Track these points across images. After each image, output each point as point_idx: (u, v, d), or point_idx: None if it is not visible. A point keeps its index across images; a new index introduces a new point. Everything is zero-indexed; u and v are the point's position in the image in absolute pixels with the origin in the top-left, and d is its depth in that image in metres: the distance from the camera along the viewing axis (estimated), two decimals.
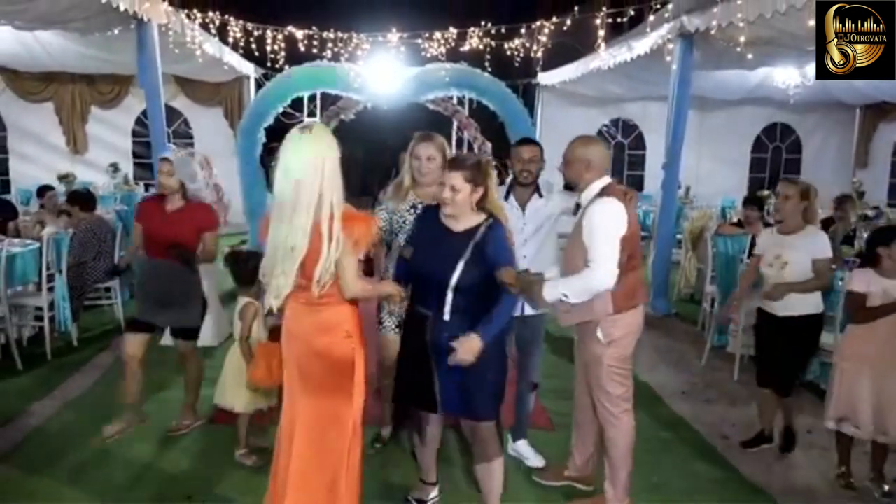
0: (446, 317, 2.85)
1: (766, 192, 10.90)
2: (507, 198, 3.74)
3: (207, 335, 5.88)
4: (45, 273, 5.43)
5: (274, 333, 3.12)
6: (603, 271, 3.00)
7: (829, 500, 3.68)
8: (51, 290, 5.54)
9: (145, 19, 6.55)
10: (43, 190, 7.89)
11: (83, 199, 6.51)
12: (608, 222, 3.05)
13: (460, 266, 2.82)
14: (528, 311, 3.64)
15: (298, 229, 2.60)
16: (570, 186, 3.41)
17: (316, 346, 2.77)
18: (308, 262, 2.63)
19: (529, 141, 3.88)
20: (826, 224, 6.92)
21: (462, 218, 2.90)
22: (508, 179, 3.83)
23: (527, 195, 3.74)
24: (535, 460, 3.92)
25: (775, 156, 13.49)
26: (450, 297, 2.83)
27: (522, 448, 3.98)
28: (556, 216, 3.74)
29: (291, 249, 2.61)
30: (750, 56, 6.71)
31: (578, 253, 3.11)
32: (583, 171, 3.20)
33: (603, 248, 3.01)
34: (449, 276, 2.82)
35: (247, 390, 3.77)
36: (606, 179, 3.21)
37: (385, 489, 3.58)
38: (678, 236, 8.16)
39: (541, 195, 3.73)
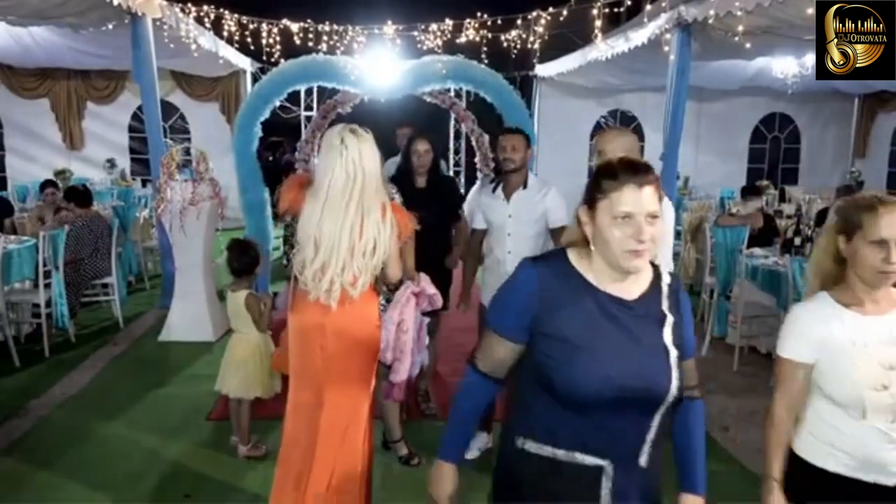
0: (643, 462, 1.65)
1: (764, 183, 10.90)
2: (494, 190, 3.73)
3: (206, 331, 5.88)
4: (41, 270, 5.41)
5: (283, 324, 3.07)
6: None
7: None
8: (48, 286, 5.52)
9: (139, 14, 6.51)
10: (45, 185, 7.86)
11: (79, 195, 6.48)
12: (668, 220, 2.93)
13: (674, 368, 1.62)
14: None
15: (374, 223, 2.70)
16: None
17: (353, 338, 2.78)
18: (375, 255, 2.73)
19: (511, 130, 3.82)
20: (826, 214, 6.91)
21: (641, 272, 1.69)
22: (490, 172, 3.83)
23: (512, 186, 3.70)
24: None
25: (774, 146, 13.46)
26: (655, 427, 1.63)
27: None
28: (545, 214, 3.66)
29: (368, 242, 2.69)
30: (748, 46, 6.67)
31: None
32: None
33: (667, 250, 2.92)
34: (657, 392, 1.60)
35: (252, 378, 3.76)
36: None
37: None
38: (677, 228, 8.15)
39: (525, 187, 3.68)
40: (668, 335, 1.65)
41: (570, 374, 1.58)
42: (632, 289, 1.66)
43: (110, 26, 6.91)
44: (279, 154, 13.27)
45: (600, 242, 1.61)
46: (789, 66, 9.64)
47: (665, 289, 1.70)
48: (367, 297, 2.79)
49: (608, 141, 3.06)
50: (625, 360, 1.58)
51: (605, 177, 1.60)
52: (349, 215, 2.67)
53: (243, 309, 3.75)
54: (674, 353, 1.64)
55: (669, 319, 1.67)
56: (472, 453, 3.90)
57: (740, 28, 6.21)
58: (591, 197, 1.62)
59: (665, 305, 1.68)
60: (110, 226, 6.44)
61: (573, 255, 1.69)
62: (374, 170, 2.72)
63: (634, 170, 1.59)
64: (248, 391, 3.78)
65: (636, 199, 1.56)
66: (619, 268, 1.60)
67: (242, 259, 3.84)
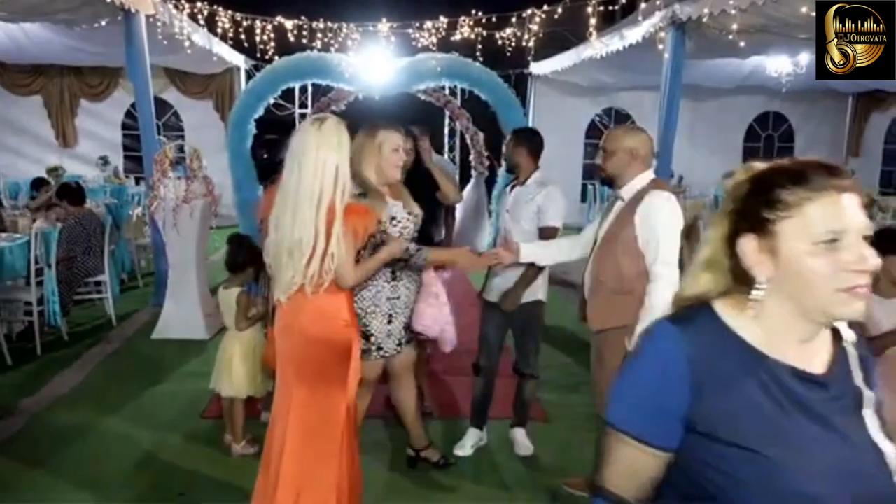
0: None
1: None
2: (511, 189, 3.84)
3: (200, 329, 5.87)
4: (33, 267, 5.38)
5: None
6: (675, 272, 2.77)
7: None
8: (40, 284, 5.49)
9: (133, 10, 6.47)
10: (38, 183, 7.81)
11: (72, 192, 6.44)
12: (671, 219, 2.86)
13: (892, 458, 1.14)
14: (525, 297, 3.63)
15: (304, 223, 2.58)
16: (608, 182, 3.13)
17: (313, 335, 2.72)
18: (312, 257, 2.61)
19: (513, 132, 3.93)
20: None
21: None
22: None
23: (516, 182, 3.81)
24: (523, 449, 3.91)
25: (768, 144, 13.49)
26: None
27: (518, 435, 3.97)
28: (537, 213, 3.64)
29: (299, 242, 2.60)
30: (742, 44, 6.68)
31: (626, 252, 2.88)
32: (627, 163, 2.94)
33: (671, 248, 2.81)
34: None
35: (244, 377, 3.76)
36: (651, 173, 2.99)
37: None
38: None
39: (524, 184, 3.72)
40: (873, 424, 1.14)
41: (752, 495, 1.08)
42: (815, 356, 1.16)
43: (103, 23, 6.88)
44: (275, 152, 13.27)
45: (793, 283, 1.11)
46: (783, 65, 9.67)
47: (852, 351, 1.20)
48: (329, 295, 2.69)
49: (631, 139, 2.96)
50: (833, 473, 1.07)
51: (787, 183, 1.13)
52: (286, 211, 2.62)
53: (235, 306, 3.74)
54: (890, 451, 1.12)
55: (868, 397, 1.16)
56: (465, 451, 3.93)
57: (734, 26, 6.22)
58: (760, 219, 1.13)
59: (858, 377, 1.18)
60: (103, 223, 6.40)
61: (724, 309, 1.18)
62: (314, 163, 2.58)
63: (829, 170, 1.12)
64: (240, 390, 3.78)
65: (843, 211, 1.10)
66: (827, 317, 1.13)
67: (238, 254, 3.83)
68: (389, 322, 3.28)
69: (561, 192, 3.69)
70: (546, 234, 3.60)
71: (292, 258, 2.61)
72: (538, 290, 3.70)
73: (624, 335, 2.80)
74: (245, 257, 3.83)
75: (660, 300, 2.73)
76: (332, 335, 2.73)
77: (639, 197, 2.91)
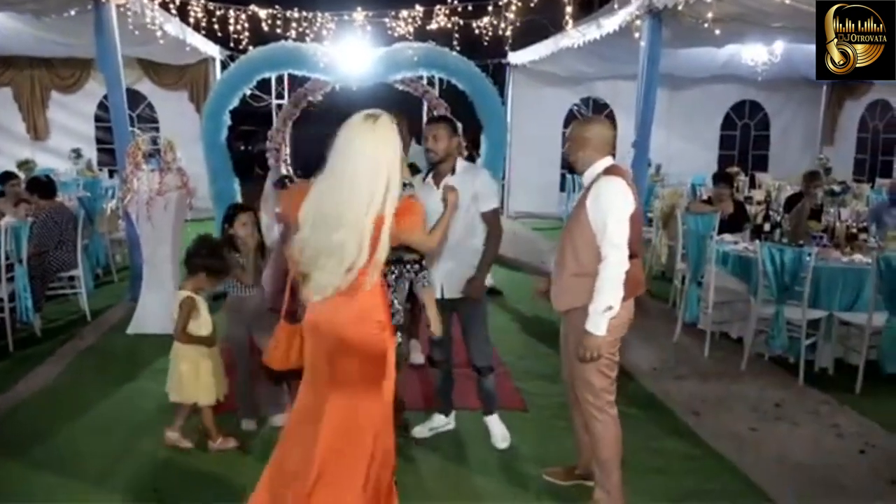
0: None
1: (735, 170, 11.00)
2: (424, 179, 3.71)
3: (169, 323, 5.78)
4: (3, 263, 5.28)
5: (290, 315, 3.00)
6: (622, 253, 2.93)
7: (800, 474, 3.72)
8: (11, 280, 5.39)
9: (102, 0, 6.35)
10: (5, 177, 7.66)
11: (42, 186, 6.33)
12: (618, 201, 2.97)
13: None
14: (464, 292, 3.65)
15: (352, 225, 2.46)
16: (572, 167, 3.31)
17: (349, 338, 2.62)
18: (352, 266, 2.50)
19: (434, 119, 3.80)
20: (794, 200, 7.00)
21: None
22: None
23: (441, 174, 3.66)
24: (500, 440, 3.89)
25: (744, 133, 13.59)
26: None
27: (492, 425, 3.94)
28: (475, 199, 3.60)
29: (341, 246, 2.47)
30: (718, 33, 6.70)
31: (581, 235, 3.03)
32: (578, 150, 3.12)
33: (617, 229, 2.93)
34: None
35: (208, 382, 3.71)
36: (609, 160, 3.13)
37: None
38: (649, 215, 8.19)
39: (454, 173, 3.63)
40: None
41: None
42: None
43: (72, 12, 6.74)
44: (253, 144, 13.14)
45: None
46: (759, 54, 9.72)
47: None
48: (366, 296, 2.62)
49: (587, 129, 3.13)
50: None
51: None
52: (331, 210, 2.49)
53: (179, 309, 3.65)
54: None
55: None
56: (422, 433, 3.96)
57: (710, 15, 6.24)
58: None
59: None
60: (75, 217, 6.30)
61: None
62: (369, 162, 2.47)
63: None
64: (189, 396, 3.73)
65: None
66: None
67: (196, 254, 3.73)
68: None
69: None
70: (491, 217, 3.68)
71: (331, 260, 2.50)
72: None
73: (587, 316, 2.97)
74: (202, 260, 3.71)
75: (607, 280, 2.93)
76: (368, 337, 2.64)
77: (594, 182, 3.06)
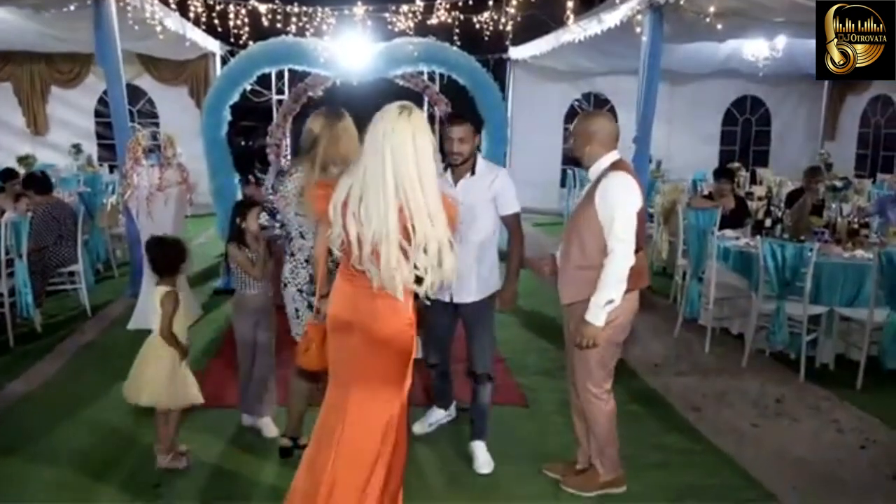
0: None
1: (736, 165, 10.98)
2: (445, 171, 3.58)
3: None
4: (3, 258, 5.27)
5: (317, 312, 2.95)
6: (628, 248, 2.97)
7: (801, 469, 3.72)
8: (11, 275, 5.38)
9: None
10: (6, 175, 7.63)
11: (38, 182, 6.31)
12: (625, 197, 3.01)
13: None
14: (480, 292, 3.53)
15: (388, 216, 2.44)
16: (577, 162, 3.32)
17: (380, 334, 2.60)
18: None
19: (457, 118, 3.55)
20: (796, 195, 6.99)
21: None
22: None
23: (460, 173, 3.55)
24: (484, 466, 3.59)
25: (745, 128, 13.56)
26: None
27: (477, 450, 3.65)
28: (493, 200, 3.55)
29: (387, 235, 2.45)
30: (719, 27, 6.68)
31: (588, 228, 3.06)
32: (584, 145, 3.15)
33: (625, 224, 2.97)
34: None
35: (183, 385, 3.53)
36: (615, 155, 3.15)
37: None
38: (650, 210, 8.17)
39: (474, 173, 3.55)
40: None
41: None
42: None
43: (72, 7, 6.71)
44: (254, 139, 13.12)
45: None
46: (760, 49, 9.70)
47: None
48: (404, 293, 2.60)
49: (592, 123, 3.18)
50: None
51: None
52: (376, 200, 2.46)
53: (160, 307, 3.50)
54: None
55: None
56: (423, 427, 3.94)
57: (711, 9, 6.22)
58: None
59: None
60: (74, 212, 6.29)
61: None
62: (414, 150, 2.46)
63: None
64: (152, 400, 3.49)
65: None
66: None
67: (160, 258, 3.62)
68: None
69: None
70: (512, 220, 3.65)
71: (391, 253, 2.46)
72: (496, 282, 3.61)
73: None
74: (170, 259, 3.60)
75: (612, 274, 2.97)
76: (397, 335, 2.63)
77: (601, 177, 3.09)
